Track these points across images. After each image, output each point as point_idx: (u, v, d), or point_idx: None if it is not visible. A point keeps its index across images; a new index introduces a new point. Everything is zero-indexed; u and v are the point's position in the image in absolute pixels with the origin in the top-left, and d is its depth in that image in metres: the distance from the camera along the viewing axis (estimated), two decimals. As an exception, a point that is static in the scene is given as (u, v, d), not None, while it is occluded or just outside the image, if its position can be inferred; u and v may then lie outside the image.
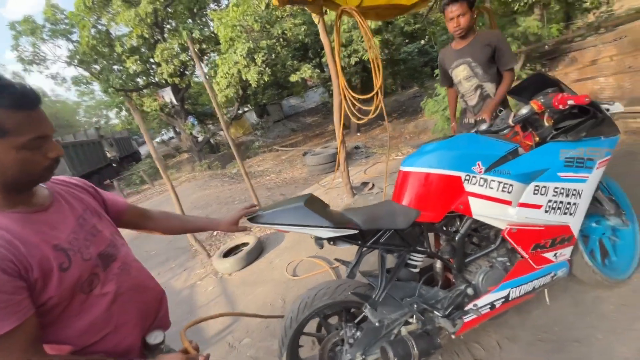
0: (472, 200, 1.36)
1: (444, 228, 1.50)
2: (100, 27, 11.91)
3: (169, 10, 11.41)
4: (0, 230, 0.70)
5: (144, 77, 13.21)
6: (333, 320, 1.61)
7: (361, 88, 10.58)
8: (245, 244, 3.60)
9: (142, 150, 26.82)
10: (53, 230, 0.79)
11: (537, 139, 1.55)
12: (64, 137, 14.78)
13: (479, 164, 1.36)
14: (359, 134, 11.17)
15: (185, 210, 3.85)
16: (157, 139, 37.55)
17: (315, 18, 3.21)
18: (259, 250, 3.44)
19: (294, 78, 10.41)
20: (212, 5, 13.15)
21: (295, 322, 1.44)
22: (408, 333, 1.43)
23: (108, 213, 1.02)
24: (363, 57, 8.77)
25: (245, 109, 22.68)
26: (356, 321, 1.53)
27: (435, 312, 1.43)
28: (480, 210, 1.37)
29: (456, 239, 1.47)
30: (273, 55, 10.07)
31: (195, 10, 12.36)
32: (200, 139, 15.48)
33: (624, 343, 1.45)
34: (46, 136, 0.74)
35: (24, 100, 0.69)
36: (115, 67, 12.62)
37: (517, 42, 5.32)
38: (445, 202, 1.37)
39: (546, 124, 1.55)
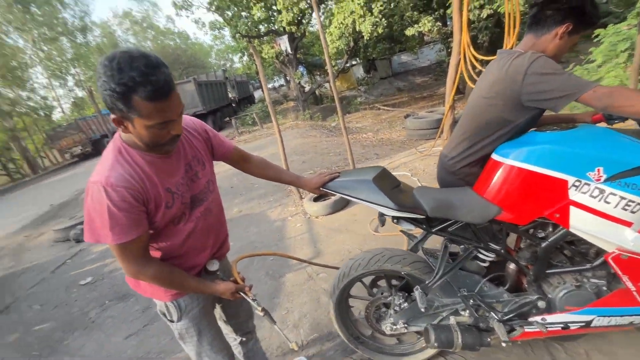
0: (574, 211, 1.12)
1: (529, 232, 1.30)
2: (235, -27, 12.87)
3: (295, -46, 11.46)
4: (137, 167, 0.95)
5: (266, 25, 14.05)
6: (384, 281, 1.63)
7: (489, 47, 9.14)
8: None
9: (256, 94, 29.47)
10: (168, 175, 1.02)
11: None
12: (199, 76, 17.27)
13: (598, 170, 1.07)
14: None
15: (287, 154, 4.26)
16: (269, 86, 40.59)
17: (449, -39, 2.83)
18: (345, 201, 3.64)
19: (410, 32, 9.61)
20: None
21: (347, 278, 1.50)
22: (456, 322, 1.39)
23: (214, 154, 1.23)
24: (499, 10, 7.42)
25: (353, 63, 22.24)
26: (406, 291, 1.54)
27: (493, 313, 1.34)
28: (583, 225, 1.13)
29: (541, 246, 1.26)
30: (392, 4, 9.38)
31: (320, -46, 12.12)
32: (306, 89, 16.12)
33: None
34: (170, 120, 0.89)
35: (159, 93, 0.82)
36: (243, 13, 13.70)
37: None
38: (538, 206, 1.16)
39: None
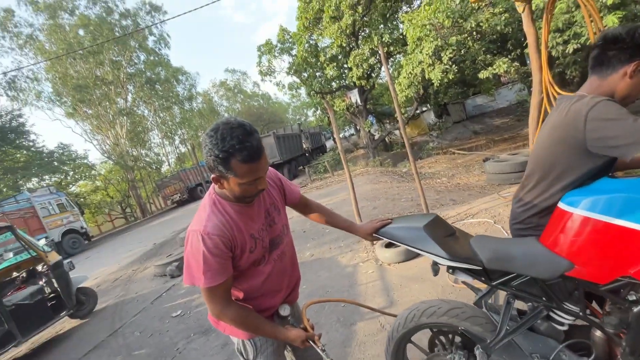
0: None
1: (614, 292, 1.06)
2: (311, 42, 14.65)
3: (365, 19, 12.64)
4: (228, 216, 1.09)
5: (337, 81, 15.31)
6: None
7: (580, 82, 8.31)
8: (406, 240, 3.70)
9: (327, 144, 31.11)
10: (252, 221, 1.15)
11: None
12: (277, 130, 19.23)
13: None
14: None
15: (357, 200, 4.34)
16: (340, 135, 42.65)
17: (520, 6, 2.84)
18: (419, 248, 3.47)
19: (484, 74, 9.37)
20: (404, 8, 13.56)
21: (403, 328, 1.41)
22: None
23: (285, 200, 1.36)
24: (587, 43, 6.84)
25: (424, 109, 22.21)
26: (468, 350, 1.37)
27: None
28: None
29: (633, 311, 1.00)
30: (462, 51, 9.41)
31: (387, 15, 13.13)
32: (376, 136, 16.47)
33: None
34: (259, 177, 1.04)
35: (253, 157, 0.97)
36: (317, 74, 15.25)
37: None
38: (619, 263, 0.97)
39: None
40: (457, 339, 1.44)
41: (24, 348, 4.47)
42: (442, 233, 1.29)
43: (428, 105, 21.09)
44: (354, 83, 13.63)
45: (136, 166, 27.06)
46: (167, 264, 5.82)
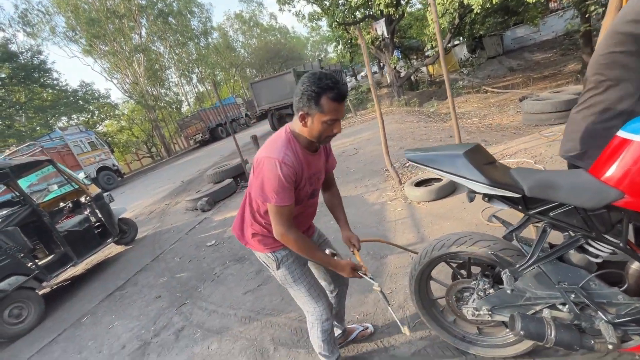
0: None
1: None
2: (335, -38, 13.02)
3: None
4: (299, 156, 1.27)
5: (362, 10, 13.88)
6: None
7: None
8: (438, 179, 3.61)
9: (349, 83, 29.64)
10: (310, 167, 1.33)
11: None
12: (297, 67, 18.27)
13: None
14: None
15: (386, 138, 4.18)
16: (362, 73, 40.34)
17: None
18: (452, 188, 3.39)
19: (533, -2, 8.16)
20: None
21: (428, 257, 1.45)
22: (551, 317, 1.21)
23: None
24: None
25: (456, 42, 20.24)
26: (493, 276, 1.40)
27: (601, 313, 1.11)
28: None
29: None
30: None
31: None
32: (402, 74, 15.42)
33: None
34: (337, 119, 1.21)
35: (342, 96, 1.16)
36: (340, 1, 13.81)
37: None
38: None
39: None
40: (475, 269, 1.48)
41: (79, 268, 5.03)
42: (482, 160, 1.24)
43: (461, 38, 19.13)
44: (381, 12, 12.32)
45: (157, 106, 27.20)
46: (198, 199, 6.10)
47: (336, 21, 13.58)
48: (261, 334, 2.25)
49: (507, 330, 1.48)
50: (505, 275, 1.26)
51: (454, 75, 18.39)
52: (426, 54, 20.35)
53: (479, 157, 1.25)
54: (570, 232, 1.16)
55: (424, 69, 20.07)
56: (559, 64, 14.82)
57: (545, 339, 1.16)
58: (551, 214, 1.16)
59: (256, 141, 6.17)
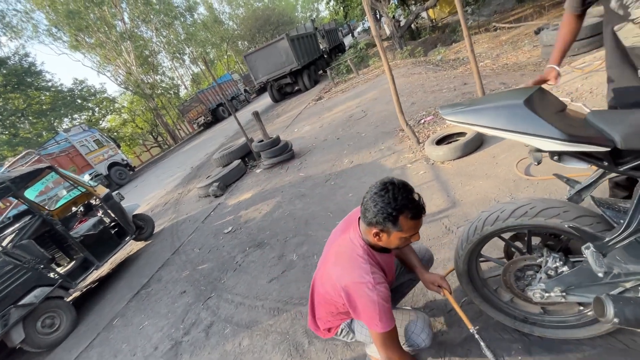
0: None
1: None
2: None
3: None
4: (380, 264, 1.21)
5: (352, -45, 12.65)
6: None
7: None
8: (461, 134, 3.27)
9: (346, 41, 28.06)
10: (389, 265, 1.28)
11: None
12: (290, 32, 17.18)
13: None
14: None
15: (390, 98, 3.80)
16: (359, 29, 38.06)
17: None
18: (478, 142, 3.06)
19: None
20: None
21: (479, 233, 1.19)
22: None
23: None
24: None
25: (458, -22, 18.47)
26: (562, 249, 1.15)
27: None
28: None
29: None
30: None
31: None
32: (402, 23, 14.32)
33: None
34: (417, 232, 1.12)
35: (420, 213, 1.07)
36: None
37: None
38: None
39: None
40: (535, 241, 1.23)
41: (105, 269, 5.07)
42: (550, 108, 0.97)
43: (463, -28, 17.42)
44: (374, -46, 11.15)
45: (154, 94, 26.67)
46: (209, 185, 5.95)
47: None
48: (293, 327, 2.11)
49: (581, 307, 1.25)
50: (589, 252, 1.00)
51: (457, 16, 16.97)
52: (424, -4, 18.80)
53: (545, 105, 0.97)
54: None
55: (424, 14, 18.60)
56: (575, -14, 13.36)
57: None
58: None
59: (258, 117, 5.84)
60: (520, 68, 6.59)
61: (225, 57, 37.15)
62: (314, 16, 43.14)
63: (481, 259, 1.39)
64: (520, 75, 5.88)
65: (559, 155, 0.98)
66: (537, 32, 8.70)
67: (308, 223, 3.35)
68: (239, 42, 38.05)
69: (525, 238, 1.26)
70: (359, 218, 1.20)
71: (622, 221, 0.98)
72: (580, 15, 1.33)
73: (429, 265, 1.59)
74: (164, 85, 29.83)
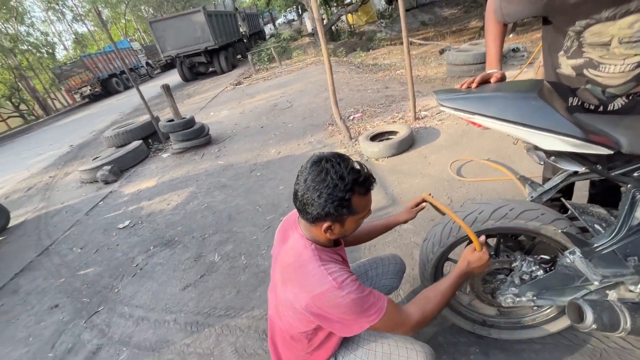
0: None
1: None
2: None
3: None
4: (336, 257, 0.99)
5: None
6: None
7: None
8: (393, 133, 3.33)
9: (266, 29, 27.21)
10: (345, 262, 1.06)
11: None
12: (205, 6, 15.57)
13: None
14: (512, 35, 8.70)
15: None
16: (280, 19, 37.37)
17: None
18: (410, 141, 3.14)
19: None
20: None
21: (452, 238, 1.12)
22: (618, 300, 1.01)
23: None
24: None
25: (375, -9, 19.80)
26: (532, 252, 1.17)
27: None
28: None
29: None
30: None
31: None
32: (325, 21, 14.53)
33: None
34: (369, 210, 0.95)
35: (369, 186, 0.89)
36: None
37: None
38: None
39: None
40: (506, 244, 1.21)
41: None
42: (562, 103, 0.93)
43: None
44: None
45: (18, 49, 20.92)
46: (97, 168, 4.80)
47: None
48: (218, 345, 1.72)
49: (535, 308, 1.27)
50: (574, 256, 0.97)
51: (373, 26, 18.20)
52: (345, 1, 19.55)
53: (556, 99, 0.90)
54: None
55: (343, 18, 19.36)
56: (463, 20, 15.74)
57: (620, 329, 0.93)
58: (636, 174, 0.89)
59: (169, 92, 4.96)
60: (430, 81, 7.30)
61: (124, 21, 31.63)
62: (233, -3, 40.50)
63: (447, 261, 1.31)
64: (431, 87, 6.49)
65: (557, 155, 0.93)
66: (441, 52, 9.84)
67: (232, 218, 2.92)
68: (143, 7, 32.92)
69: (495, 240, 1.22)
70: (298, 218, 0.98)
71: (600, 227, 0.98)
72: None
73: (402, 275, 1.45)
74: (32, 40, 23.64)
